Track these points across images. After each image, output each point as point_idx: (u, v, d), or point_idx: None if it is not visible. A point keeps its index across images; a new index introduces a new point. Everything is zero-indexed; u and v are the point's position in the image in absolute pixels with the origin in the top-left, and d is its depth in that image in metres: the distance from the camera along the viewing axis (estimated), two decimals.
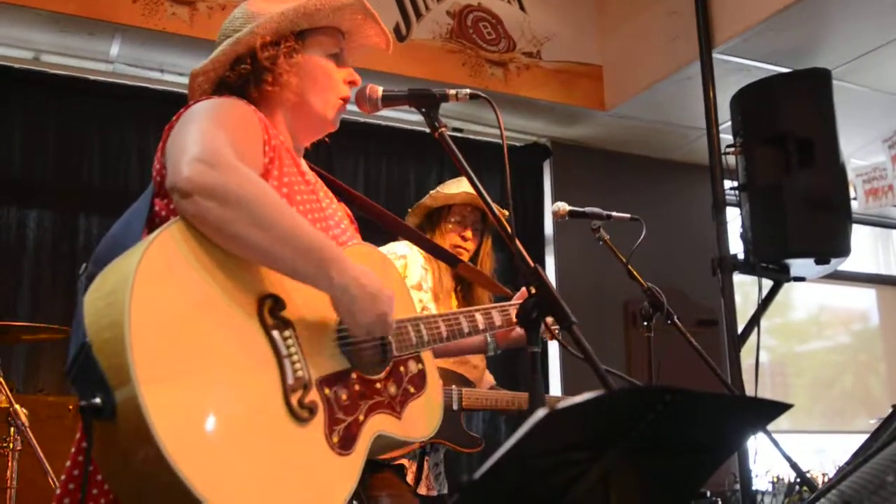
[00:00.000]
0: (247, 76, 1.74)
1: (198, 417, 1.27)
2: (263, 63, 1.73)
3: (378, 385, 1.64)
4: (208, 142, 1.46)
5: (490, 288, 2.29)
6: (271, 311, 1.45)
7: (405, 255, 2.80)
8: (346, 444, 1.50)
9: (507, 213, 1.76)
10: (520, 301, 2.15)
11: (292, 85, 1.76)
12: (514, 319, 2.08)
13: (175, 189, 1.40)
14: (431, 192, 3.08)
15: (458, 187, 2.99)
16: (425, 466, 2.75)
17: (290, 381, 1.43)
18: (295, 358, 1.45)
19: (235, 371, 1.35)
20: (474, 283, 2.86)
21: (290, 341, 1.46)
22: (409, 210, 3.09)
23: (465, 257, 2.93)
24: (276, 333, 1.44)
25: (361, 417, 1.57)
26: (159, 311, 1.29)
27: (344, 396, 1.54)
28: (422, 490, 2.74)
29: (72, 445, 1.54)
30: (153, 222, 1.56)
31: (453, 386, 2.76)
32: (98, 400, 1.23)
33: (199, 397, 1.28)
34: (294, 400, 1.42)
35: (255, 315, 1.43)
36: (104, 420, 1.23)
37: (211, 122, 1.53)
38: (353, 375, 1.59)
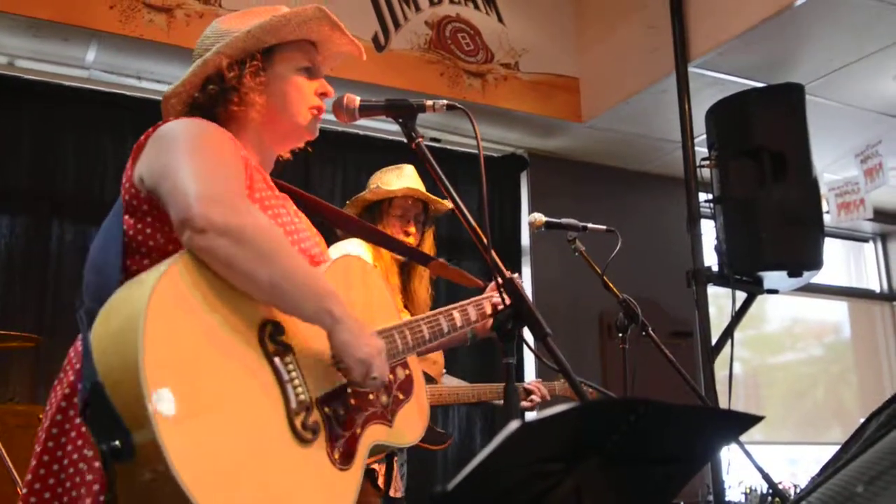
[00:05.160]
0: (216, 97, 1.74)
1: (214, 454, 1.30)
2: (230, 83, 1.73)
3: (371, 396, 1.68)
4: (215, 178, 1.49)
5: (463, 281, 2.30)
6: (272, 336, 1.48)
7: (357, 255, 2.77)
8: (346, 459, 1.55)
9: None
10: (493, 294, 2.16)
11: (258, 104, 1.75)
12: (488, 311, 2.10)
13: (188, 225, 1.41)
14: (371, 185, 2.99)
15: (399, 181, 2.93)
16: (394, 469, 2.75)
17: (294, 405, 1.46)
18: (297, 382, 1.48)
19: (244, 402, 1.39)
20: (412, 276, 2.86)
21: (290, 366, 1.49)
22: (347, 202, 3.00)
23: None
24: (277, 360, 1.47)
25: (358, 431, 1.61)
26: (171, 350, 1.30)
27: (342, 412, 1.57)
28: (392, 492, 2.72)
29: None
30: (130, 247, 1.57)
31: None
32: (118, 443, 1.24)
33: (214, 433, 1.31)
34: (298, 423, 1.45)
35: (257, 342, 1.46)
36: (123, 462, 1.25)
37: (206, 155, 1.55)
38: (349, 390, 1.61)
